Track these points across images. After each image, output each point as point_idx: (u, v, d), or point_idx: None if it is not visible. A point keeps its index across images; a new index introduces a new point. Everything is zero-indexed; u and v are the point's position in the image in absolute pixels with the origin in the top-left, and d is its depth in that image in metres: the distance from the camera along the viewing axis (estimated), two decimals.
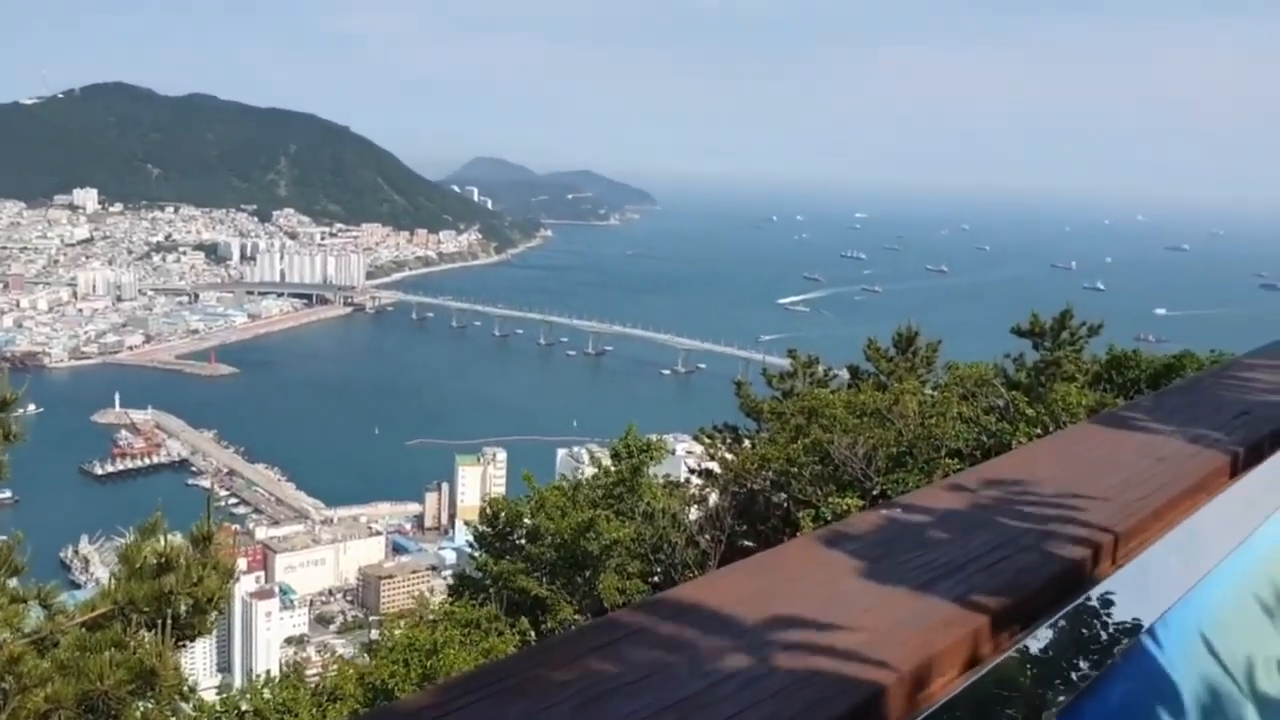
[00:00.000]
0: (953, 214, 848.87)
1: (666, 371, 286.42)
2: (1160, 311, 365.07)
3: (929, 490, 3.60)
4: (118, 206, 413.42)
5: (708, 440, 24.43)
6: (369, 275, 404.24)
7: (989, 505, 3.12)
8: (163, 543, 6.91)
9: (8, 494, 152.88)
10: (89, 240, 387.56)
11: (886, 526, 2.96)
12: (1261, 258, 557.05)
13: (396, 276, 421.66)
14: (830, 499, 17.60)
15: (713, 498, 21.45)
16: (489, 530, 21.54)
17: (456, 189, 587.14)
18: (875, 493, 18.53)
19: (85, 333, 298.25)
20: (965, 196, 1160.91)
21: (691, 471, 24.07)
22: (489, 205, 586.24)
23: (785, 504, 20.17)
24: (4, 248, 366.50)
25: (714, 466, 22.98)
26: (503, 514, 21.49)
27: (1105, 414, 4.94)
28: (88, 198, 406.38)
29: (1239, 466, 3.78)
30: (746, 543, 20.78)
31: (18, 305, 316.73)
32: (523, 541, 20.94)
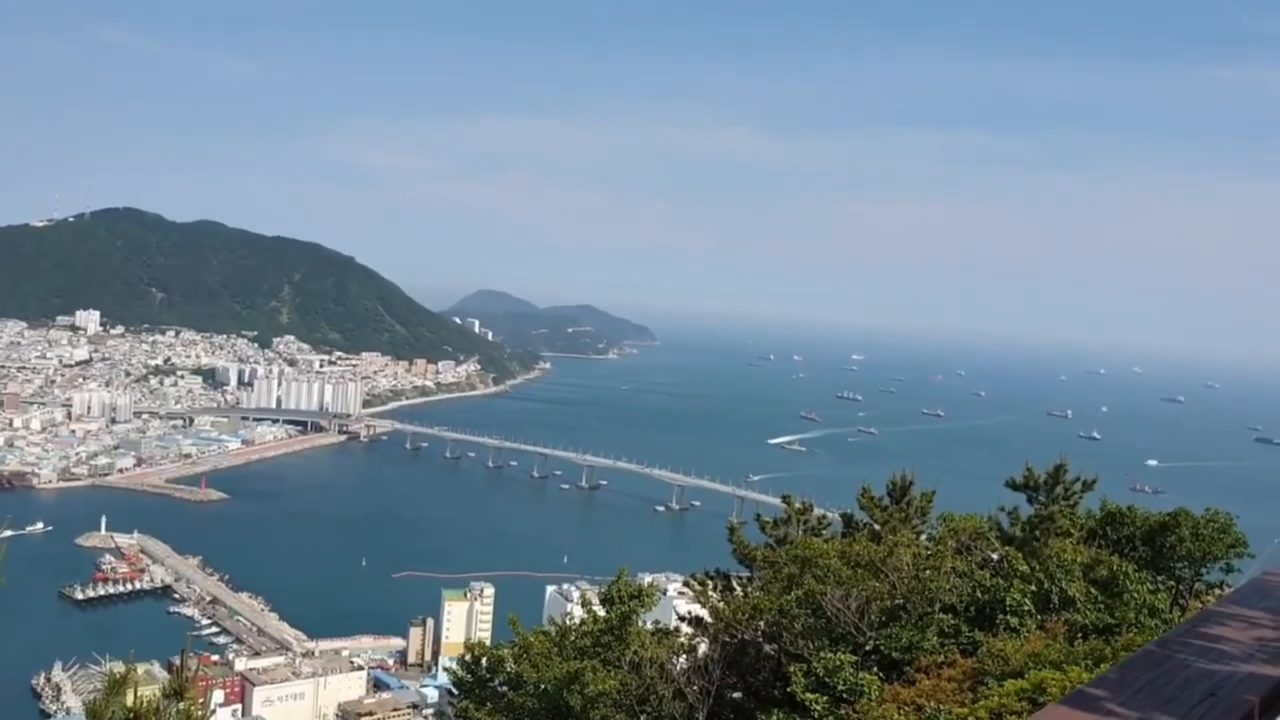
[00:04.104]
0: (949, 359, 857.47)
1: (660, 508, 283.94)
2: (1152, 463, 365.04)
3: None
4: (119, 329, 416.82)
5: (699, 586, 24.05)
6: (366, 404, 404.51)
7: None
8: (132, 698, 6.71)
9: None
10: (87, 361, 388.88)
11: None
12: (1255, 411, 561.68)
13: (393, 405, 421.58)
14: (822, 654, 17.23)
15: (702, 647, 20.99)
16: (468, 676, 20.98)
17: (458, 320, 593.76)
18: (868, 648, 18.15)
19: (76, 454, 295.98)
20: (961, 342, 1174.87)
21: (681, 619, 23.60)
22: (489, 337, 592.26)
23: (777, 656, 19.74)
24: (2, 366, 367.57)
25: (704, 614, 22.55)
26: (483, 660, 20.96)
27: (1069, 697, 4.49)
28: (89, 319, 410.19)
29: None
30: (735, 695, 20.25)
31: (10, 424, 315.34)
32: (504, 689, 20.38)
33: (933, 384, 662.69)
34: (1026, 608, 17.43)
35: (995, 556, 20.98)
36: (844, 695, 15.96)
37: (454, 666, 22.61)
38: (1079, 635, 16.41)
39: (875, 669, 17.01)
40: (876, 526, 25.07)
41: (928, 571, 18.90)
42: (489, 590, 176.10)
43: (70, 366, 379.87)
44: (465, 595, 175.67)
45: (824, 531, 26.35)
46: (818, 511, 27.52)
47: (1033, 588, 17.98)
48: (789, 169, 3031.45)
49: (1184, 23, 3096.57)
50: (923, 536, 24.07)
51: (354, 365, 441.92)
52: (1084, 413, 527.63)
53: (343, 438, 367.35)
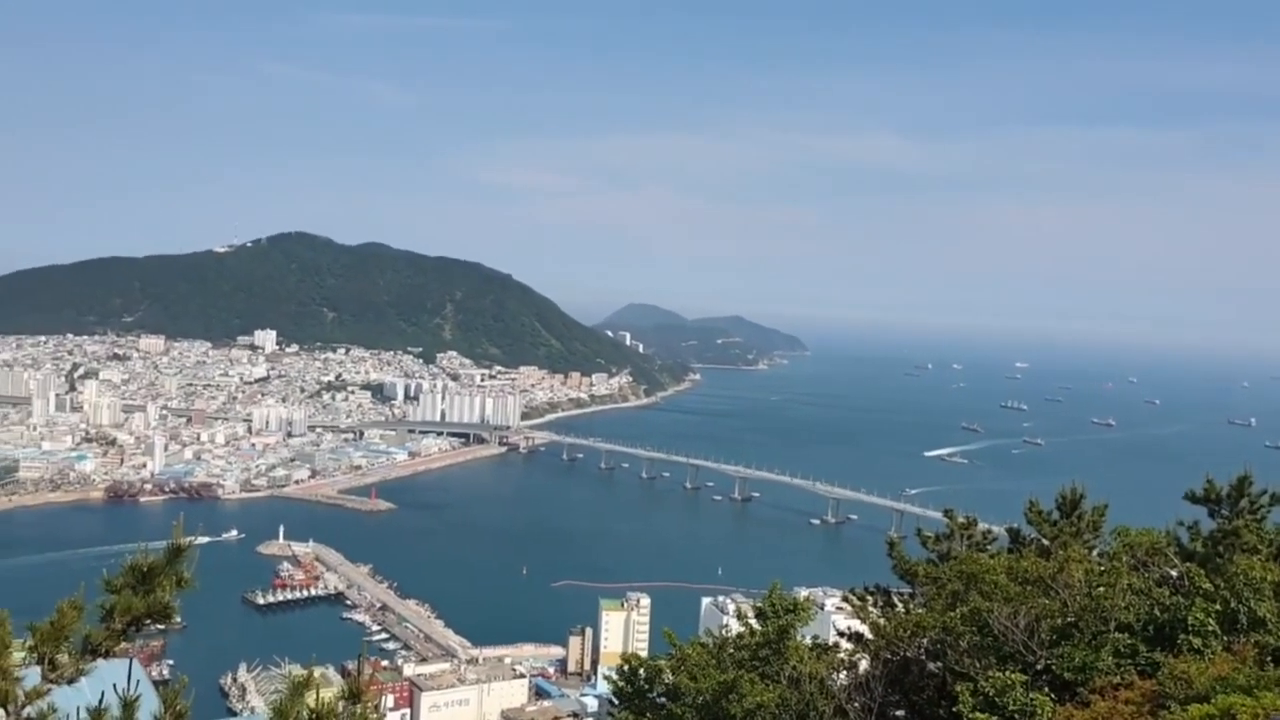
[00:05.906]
0: (1119, 366, 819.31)
1: (815, 521, 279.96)
2: None
3: None
4: (294, 347, 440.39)
5: (858, 602, 23.66)
6: (524, 416, 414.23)
7: None
8: (315, 700, 7.11)
9: (177, 619, 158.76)
10: (265, 379, 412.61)
11: None
12: None
13: (550, 417, 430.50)
14: (991, 673, 16.70)
15: (863, 664, 20.63)
16: (627, 686, 21.21)
17: (610, 333, 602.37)
18: (1039, 668, 17.49)
19: (257, 466, 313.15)
20: (1132, 349, 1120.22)
21: (840, 634, 23.25)
22: (640, 349, 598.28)
23: (941, 674, 19.22)
24: (190, 384, 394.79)
25: (864, 630, 22.17)
26: (641, 670, 21.16)
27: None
28: (267, 339, 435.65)
29: None
30: (898, 713, 19.81)
31: (199, 438, 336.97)
32: (662, 700, 20.51)
33: (1102, 392, 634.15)
34: (1211, 628, 16.45)
35: (1174, 573, 19.92)
36: (1015, 716, 15.44)
37: (613, 676, 22.88)
38: (1270, 659, 15.41)
39: (1046, 689, 16.39)
40: (1045, 542, 24.14)
41: (1101, 588, 18.10)
42: (645, 601, 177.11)
43: (250, 384, 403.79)
44: (622, 605, 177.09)
45: (989, 547, 25.54)
46: (982, 526, 26.68)
47: (1217, 607, 16.96)
48: (933, 173, 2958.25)
49: None
50: (1095, 552, 23.07)
51: (512, 379, 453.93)
52: (1270, 421, 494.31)
53: (503, 449, 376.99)
